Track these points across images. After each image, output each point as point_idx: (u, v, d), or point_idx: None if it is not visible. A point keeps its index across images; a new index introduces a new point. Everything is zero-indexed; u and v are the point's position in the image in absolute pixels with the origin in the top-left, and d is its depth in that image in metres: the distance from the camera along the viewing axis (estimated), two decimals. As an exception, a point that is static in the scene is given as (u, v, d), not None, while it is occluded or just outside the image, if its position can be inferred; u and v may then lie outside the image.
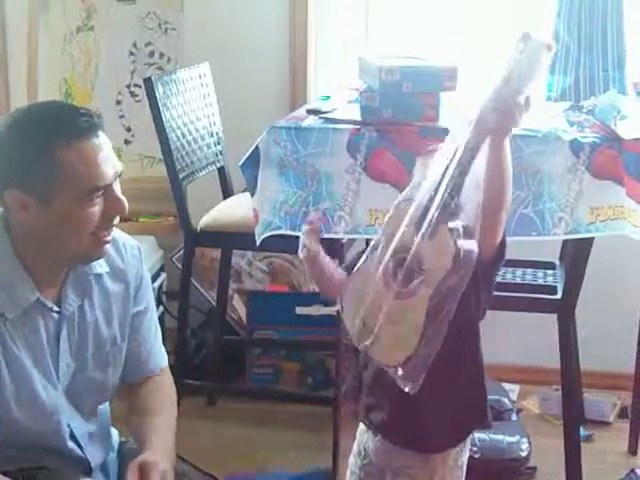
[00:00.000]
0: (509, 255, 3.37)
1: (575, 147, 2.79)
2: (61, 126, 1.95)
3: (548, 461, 3.33)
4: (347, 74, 3.71)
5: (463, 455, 2.20)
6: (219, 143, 3.70)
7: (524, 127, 2.86)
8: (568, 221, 2.81)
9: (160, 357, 2.36)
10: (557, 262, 3.46)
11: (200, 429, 3.53)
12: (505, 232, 1.97)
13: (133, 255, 2.24)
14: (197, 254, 3.62)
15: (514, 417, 3.57)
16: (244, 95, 4.12)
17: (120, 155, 4.28)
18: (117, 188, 2.01)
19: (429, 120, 2.90)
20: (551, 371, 3.35)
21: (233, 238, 3.32)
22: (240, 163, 2.96)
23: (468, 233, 1.88)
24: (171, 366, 3.54)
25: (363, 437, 2.23)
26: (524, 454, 3.33)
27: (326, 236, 2.91)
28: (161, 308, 4.17)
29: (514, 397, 3.85)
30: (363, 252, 2.06)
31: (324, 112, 3.09)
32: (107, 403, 2.29)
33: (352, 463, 2.27)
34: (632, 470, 3.30)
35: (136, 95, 4.39)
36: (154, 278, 4.12)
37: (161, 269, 4.25)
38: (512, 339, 3.89)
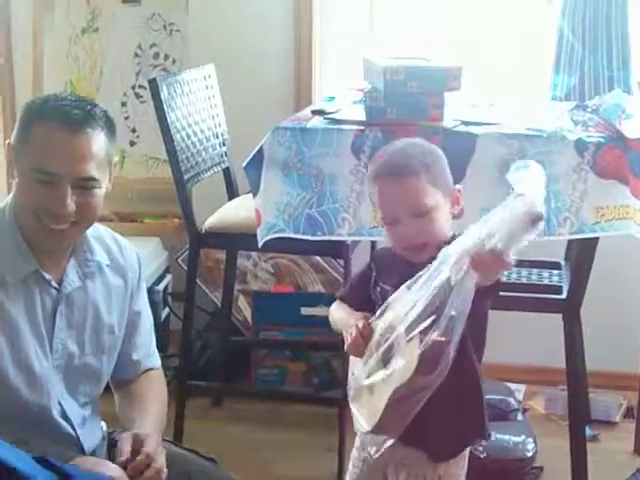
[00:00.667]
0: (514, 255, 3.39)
1: (580, 147, 2.79)
2: (55, 105, 2.02)
3: (554, 461, 3.33)
4: (351, 75, 3.71)
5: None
6: (224, 144, 3.70)
7: (529, 127, 2.88)
8: (573, 221, 2.80)
9: (155, 358, 2.41)
10: (562, 262, 3.46)
11: (206, 430, 3.52)
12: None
13: (132, 257, 2.30)
14: (202, 255, 3.62)
15: (520, 417, 3.56)
16: (249, 96, 4.12)
17: (125, 156, 4.35)
18: (69, 189, 2.00)
19: (434, 120, 2.90)
20: (557, 371, 3.35)
21: (238, 239, 3.32)
22: (244, 164, 2.96)
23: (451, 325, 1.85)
24: (176, 367, 3.58)
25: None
26: (530, 454, 3.32)
27: (330, 238, 2.92)
28: (167, 309, 4.17)
29: (520, 397, 3.84)
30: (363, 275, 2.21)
31: (329, 113, 3.09)
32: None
33: (354, 456, 2.29)
34: (638, 470, 3.29)
35: (141, 96, 4.39)
36: (159, 279, 4.12)
37: (166, 270, 4.25)
38: (518, 339, 3.88)
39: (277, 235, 2.92)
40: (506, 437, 3.35)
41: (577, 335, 3.16)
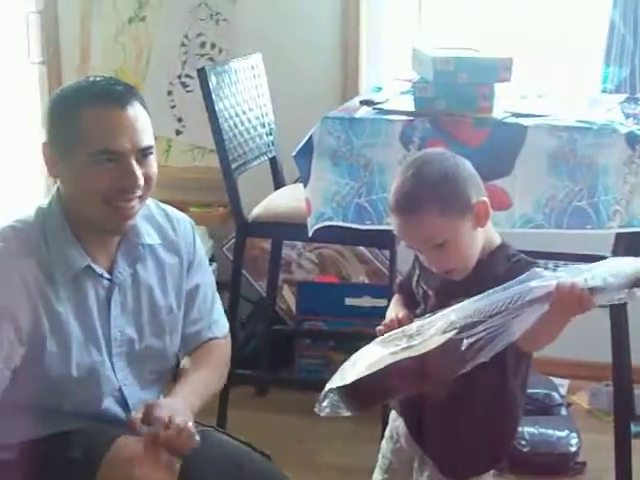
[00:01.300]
0: (560, 249, 3.37)
1: (631, 140, 2.77)
2: (93, 88, 2.04)
3: (597, 457, 3.32)
4: (398, 65, 3.70)
5: None
6: (271, 134, 3.70)
7: (579, 119, 2.87)
8: (623, 214, 2.79)
9: (217, 326, 2.39)
10: (610, 256, 3.43)
11: (249, 418, 3.53)
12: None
13: (185, 229, 2.30)
14: (247, 244, 3.62)
15: (564, 412, 3.55)
16: (296, 86, 4.12)
17: (170, 145, 4.37)
18: (134, 162, 2.02)
19: (483, 111, 2.89)
20: (601, 366, 3.33)
21: (284, 229, 3.32)
22: (293, 153, 2.97)
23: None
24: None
25: (395, 422, 2.27)
26: (573, 449, 3.32)
27: (378, 227, 2.92)
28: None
29: (563, 392, 3.82)
30: (409, 273, 2.19)
31: (377, 103, 3.09)
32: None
33: (384, 447, 2.31)
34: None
35: (187, 86, 4.40)
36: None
37: (211, 259, 4.26)
38: (562, 333, 3.83)
39: (326, 223, 2.93)
40: (550, 431, 3.35)
41: (623, 330, 3.14)
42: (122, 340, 2.15)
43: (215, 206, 4.32)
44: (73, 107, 2.02)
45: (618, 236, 3.32)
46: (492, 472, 2.18)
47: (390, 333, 2.01)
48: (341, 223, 2.91)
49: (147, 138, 2.05)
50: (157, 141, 2.18)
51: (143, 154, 2.04)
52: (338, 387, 1.91)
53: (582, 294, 1.76)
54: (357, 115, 2.97)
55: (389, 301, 2.90)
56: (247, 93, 3.57)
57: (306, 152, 2.93)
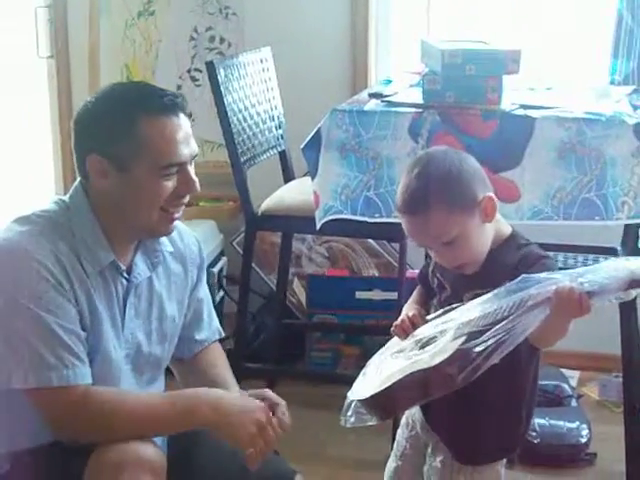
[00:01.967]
0: (570, 241, 3.37)
1: (639, 131, 2.76)
2: (146, 100, 2.04)
3: (608, 448, 3.32)
4: (407, 58, 3.70)
5: None
6: (280, 127, 3.71)
7: (587, 110, 2.86)
8: (631, 206, 2.78)
9: (212, 333, 2.43)
10: (619, 248, 3.43)
11: (259, 411, 3.53)
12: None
13: (192, 242, 2.33)
14: (257, 238, 3.63)
15: (574, 403, 3.55)
16: (305, 79, 4.13)
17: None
18: (191, 169, 2.07)
19: (491, 103, 2.89)
20: (611, 358, 3.33)
21: (294, 222, 3.32)
22: (302, 146, 2.97)
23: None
24: (231, 349, 3.60)
25: (411, 410, 2.27)
26: (584, 440, 3.32)
27: (387, 220, 2.92)
28: (221, 292, 4.19)
29: (574, 383, 3.83)
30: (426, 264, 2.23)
31: (386, 96, 3.09)
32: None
33: (399, 434, 2.32)
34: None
35: (197, 80, 4.41)
36: (214, 262, 4.14)
37: (221, 253, 4.27)
38: (572, 326, 3.85)
39: (335, 216, 2.93)
40: (560, 423, 3.35)
41: (633, 321, 3.14)
42: (132, 343, 2.15)
43: (225, 200, 4.33)
44: (130, 120, 2.00)
45: (627, 227, 3.33)
46: (504, 461, 2.20)
47: (403, 344, 2.06)
48: (350, 216, 2.92)
49: (195, 143, 2.09)
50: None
51: (191, 161, 2.08)
52: (359, 400, 2.00)
53: (580, 298, 1.79)
54: (366, 108, 2.97)
55: (399, 294, 2.94)
56: (256, 87, 3.58)
57: (314, 145, 2.93)
